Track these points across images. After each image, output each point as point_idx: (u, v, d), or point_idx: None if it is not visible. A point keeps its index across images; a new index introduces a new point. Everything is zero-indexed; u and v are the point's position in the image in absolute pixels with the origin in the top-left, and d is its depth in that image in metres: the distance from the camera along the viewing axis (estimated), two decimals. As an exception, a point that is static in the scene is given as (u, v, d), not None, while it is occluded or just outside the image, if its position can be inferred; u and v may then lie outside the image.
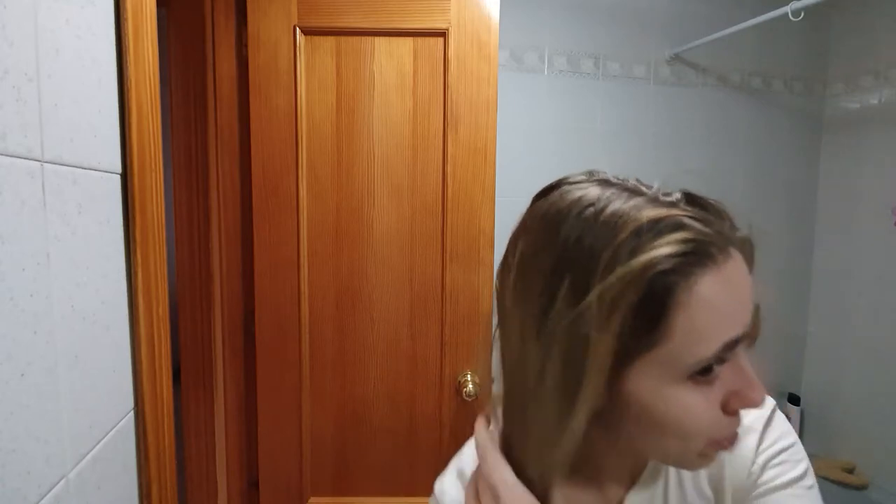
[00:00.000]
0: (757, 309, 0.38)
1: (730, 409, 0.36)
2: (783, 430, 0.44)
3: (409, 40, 1.21)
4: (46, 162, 0.42)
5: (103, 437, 0.52)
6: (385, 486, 1.31)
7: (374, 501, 1.31)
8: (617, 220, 0.34)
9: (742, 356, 0.37)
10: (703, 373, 0.35)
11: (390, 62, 1.22)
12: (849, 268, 1.89)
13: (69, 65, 0.46)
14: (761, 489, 0.41)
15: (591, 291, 0.33)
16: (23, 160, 0.39)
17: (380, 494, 1.31)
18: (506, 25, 1.46)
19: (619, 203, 0.35)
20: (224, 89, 1.24)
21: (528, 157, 1.71)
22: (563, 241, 0.36)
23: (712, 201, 0.38)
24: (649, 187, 0.38)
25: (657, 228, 0.34)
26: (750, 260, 0.37)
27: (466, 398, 1.21)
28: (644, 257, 0.33)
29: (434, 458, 1.29)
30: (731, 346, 0.35)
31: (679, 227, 0.34)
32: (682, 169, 1.87)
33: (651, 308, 0.33)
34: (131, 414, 0.58)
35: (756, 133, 1.93)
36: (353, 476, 1.32)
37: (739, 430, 0.40)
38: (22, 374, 0.39)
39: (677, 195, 0.38)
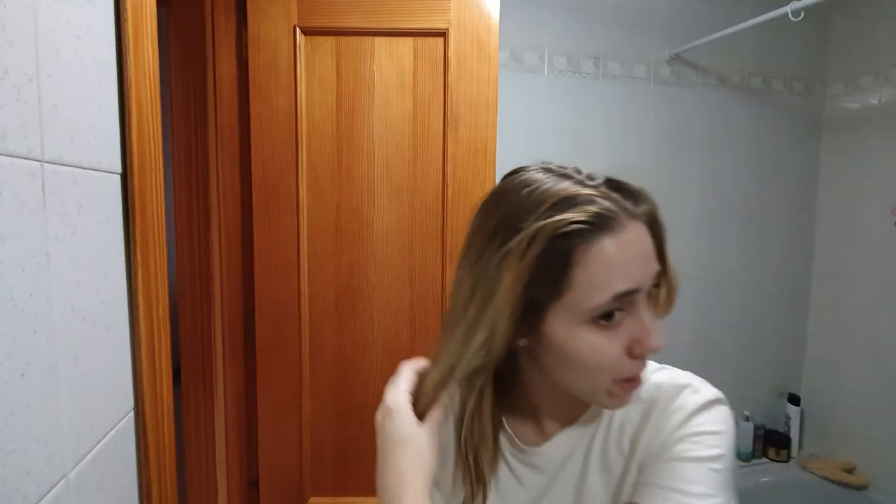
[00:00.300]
0: (666, 274, 0.48)
1: (633, 354, 0.45)
2: (714, 420, 0.47)
3: (409, 40, 1.21)
4: (46, 162, 0.42)
5: (103, 437, 0.52)
6: (385, 486, 1.31)
7: (374, 501, 1.31)
8: (542, 196, 0.44)
9: (642, 309, 0.45)
10: (605, 318, 0.43)
11: (390, 62, 1.22)
12: (849, 268, 1.89)
13: (69, 65, 0.46)
14: (668, 456, 0.45)
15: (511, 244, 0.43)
16: (23, 160, 0.39)
17: (380, 494, 1.31)
18: (506, 25, 1.46)
19: (549, 184, 0.45)
20: (224, 89, 1.24)
21: (528, 157, 1.70)
22: (503, 212, 0.45)
23: (631, 186, 0.47)
24: (580, 173, 0.47)
25: (570, 202, 0.43)
26: (655, 232, 0.47)
27: (466, 398, 1.21)
28: (550, 221, 0.42)
29: (434, 458, 1.29)
30: (623, 296, 0.43)
31: (588, 202, 0.43)
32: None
33: (556, 262, 0.42)
34: (131, 414, 0.58)
35: (756, 133, 1.93)
36: (353, 476, 1.32)
37: (672, 409, 0.48)
38: (22, 374, 0.39)
39: (600, 180, 0.47)
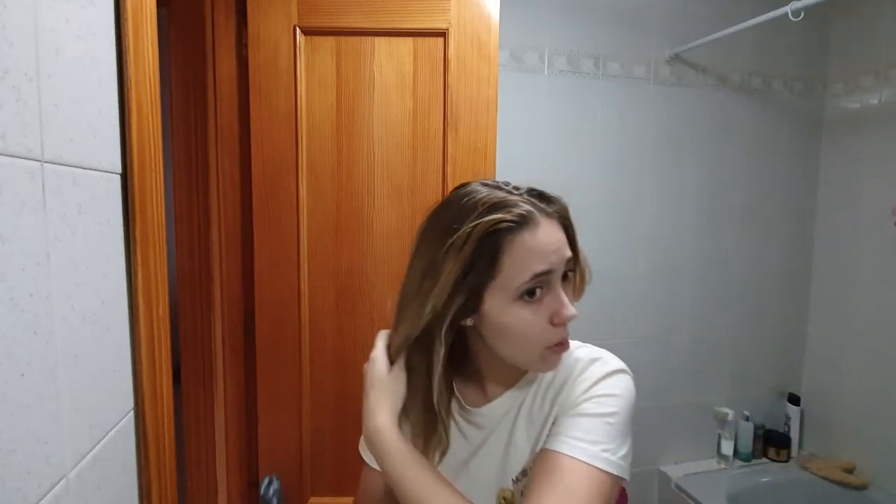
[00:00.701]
0: (577, 261, 0.60)
1: (554, 323, 0.57)
2: (614, 385, 0.59)
3: (409, 40, 1.21)
4: (46, 162, 0.42)
5: (103, 437, 0.52)
6: (385, 486, 1.31)
7: (374, 501, 1.31)
8: (477, 203, 0.56)
9: (558, 287, 0.57)
10: (528, 295, 0.55)
11: (390, 62, 1.22)
12: (849, 268, 1.89)
13: (69, 65, 0.46)
14: (573, 412, 0.58)
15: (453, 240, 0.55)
16: (23, 160, 0.39)
17: (380, 494, 1.31)
18: (506, 25, 1.46)
19: (483, 193, 0.57)
20: (224, 89, 1.24)
21: (528, 157, 1.71)
22: (447, 217, 0.58)
23: (548, 193, 0.60)
24: (508, 185, 0.60)
25: (498, 206, 0.55)
26: (566, 227, 0.60)
27: (466, 398, 1.21)
28: (482, 221, 0.54)
29: (434, 458, 1.29)
30: (541, 275, 0.55)
31: (512, 206, 0.55)
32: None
33: (488, 252, 0.54)
34: (131, 414, 0.58)
35: (756, 133, 1.93)
36: (353, 476, 1.31)
37: (583, 377, 0.60)
38: (22, 374, 0.39)
39: (524, 189, 0.60)
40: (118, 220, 0.56)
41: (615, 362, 0.62)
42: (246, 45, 1.22)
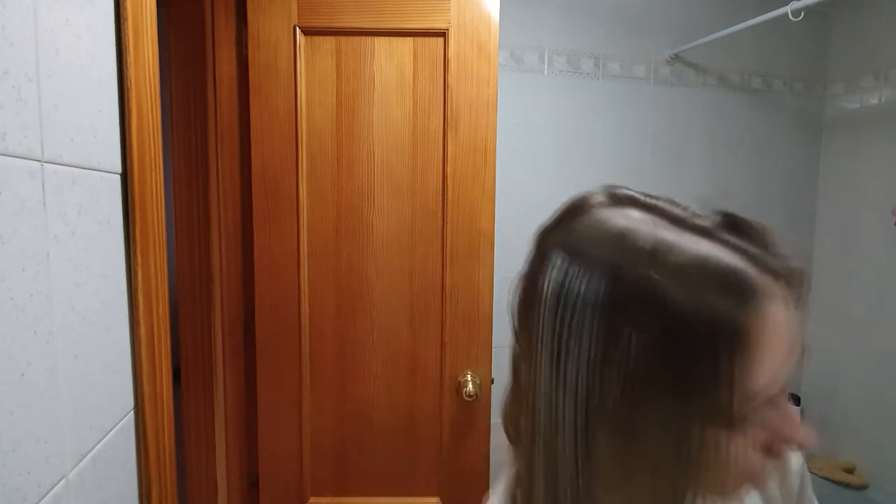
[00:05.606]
0: None
1: None
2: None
3: (409, 40, 1.21)
4: (46, 162, 0.42)
5: (103, 437, 0.52)
6: (385, 486, 1.31)
7: (374, 501, 1.31)
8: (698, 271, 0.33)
9: None
10: None
11: (390, 62, 1.22)
12: (849, 268, 1.89)
13: (69, 65, 0.46)
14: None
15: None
16: (23, 160, 0.39)
17: (380, 494, 1.31)
18: (506, 25, 1.46)
19: (704, 260, 0.33)
20: (224, 89, 1.24)
21: (528, 157, 1.71)
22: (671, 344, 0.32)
23: (753, 223, 0.36)
24: (687, 210, 0.38)
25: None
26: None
27: (466, 398, 1.21)
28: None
29: (434, 458, 1.29)
30: None
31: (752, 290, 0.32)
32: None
33: None
34: (131, 414, 0.58)
35: (756, 133, 1.93)
36: (353, 476, 1.32)
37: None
38: (22, 374, 0.39)
39: (716, 219, 0.37)
40: (118, 220, 0.56)
41: None
42: (246, 45, 1.22)
